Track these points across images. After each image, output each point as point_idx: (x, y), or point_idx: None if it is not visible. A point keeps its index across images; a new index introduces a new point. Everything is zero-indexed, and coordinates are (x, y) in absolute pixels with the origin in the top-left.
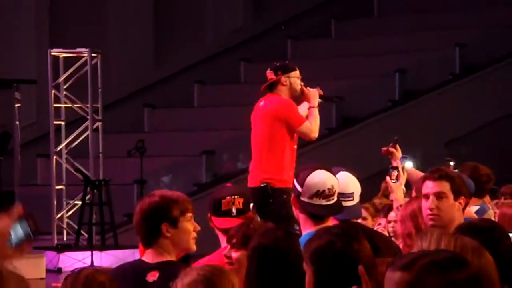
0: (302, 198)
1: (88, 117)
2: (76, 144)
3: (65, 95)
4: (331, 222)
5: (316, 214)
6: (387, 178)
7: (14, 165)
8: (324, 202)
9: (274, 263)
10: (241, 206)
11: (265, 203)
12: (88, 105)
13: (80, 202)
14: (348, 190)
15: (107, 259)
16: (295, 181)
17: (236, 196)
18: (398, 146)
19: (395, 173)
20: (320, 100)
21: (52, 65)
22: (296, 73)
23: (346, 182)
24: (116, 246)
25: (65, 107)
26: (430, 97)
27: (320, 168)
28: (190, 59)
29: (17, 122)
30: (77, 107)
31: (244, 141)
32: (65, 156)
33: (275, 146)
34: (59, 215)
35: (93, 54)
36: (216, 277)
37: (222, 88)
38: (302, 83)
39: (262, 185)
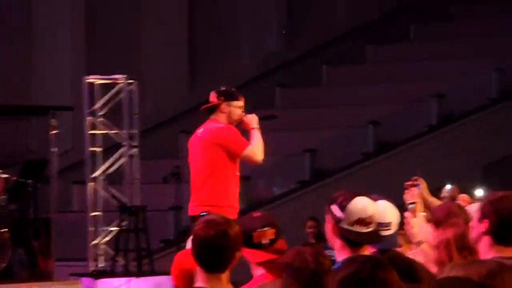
0: (342, 225)
1: (125, 143)
2: (113, 171)
3: (101, 122)
4: (367, 250)
5: (355, 241)
6: (406, 214)
7: (50, 192)
8: (363, 230)
9: None
10: (273, 237)
11: None
12: (124, 131)
13: (116, 229)
14: (386, 220)
15: (143, 285)
16: (334, 206)
17: (266, 228)
18: (421, 179)
19: (413, 207)
20: (261, 121)
21: (88, 92)
22: (239, 103)
23: (384, 211)
24: (153, 272)
25: (101, 133)
26: (468, 121)
27: (360, 195)
28: (224, 84)
29: (54, 149)
30: (113, 133)
31: (279, 167)
32: (101, 183)
33: (216, 174)
34: (95, 242)
35: (129, 81)
36: None
37: (257, 113)
38: (244, 113)
39: (202, 214)
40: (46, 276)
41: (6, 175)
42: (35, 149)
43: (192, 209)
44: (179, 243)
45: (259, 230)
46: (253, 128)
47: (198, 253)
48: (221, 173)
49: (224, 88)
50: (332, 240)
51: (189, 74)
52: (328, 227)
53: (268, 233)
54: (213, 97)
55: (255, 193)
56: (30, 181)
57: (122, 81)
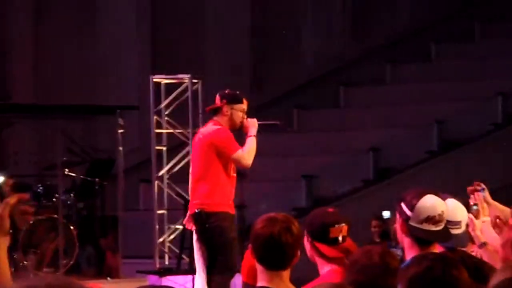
0: (411, 223)
1: (189, 142)
2: (178, 169)
3: (167, 121)
4: (436, 248)
5: (424, 240)
6: (470, 215)
7: (117, 190)
8: (433, 228)
9: None
10: (346, 234)
11: (203, 230)
12: (189, 131)
13: (181, 227)
14: (456, 218)
15: None
16: (402, 204)
17: (343, 224)
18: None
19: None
20: (262, 126)
21: (154, 91)
22: (241, 106)
23: (455, 210)
24: None
25: (166, 132)
26: None
27: (429, 193)
28: (288, 84)
29: (121, 148)
30: (178, 132)
31: (343, 166)
32: (166, 181)
33: (208, 174)
34: (161, 239)
35: (193, 80)
36: None
37: (321, 112)
38: (246, 117)
39: (196, 211)
40: (113, 274)
41: (73, 174)
42: (102, 148)
43: (190, 208)
44: (243, 241)
45: (337, 225)
46: (249, 136)
47: (260, 251)
48: (214, 174)
49: (228, 91)
50: (401, 238)
51: (252, 74)
52: (397, 225)
53: (343, 230)
54: (217, 99)
55: (319, 192)
56: (97, 179)
57: (187, 80)
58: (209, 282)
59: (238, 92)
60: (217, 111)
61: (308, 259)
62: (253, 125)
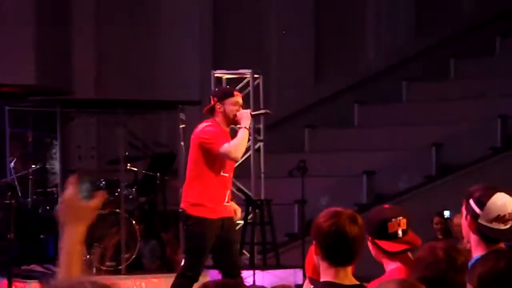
0: (480, 221)
1: (250, 137)
2: (239, 164)
3: None
4: (503, 245)
5: (493, 238)
6: None
7: (178, 185)
8: (502, 227)
9: None
10: (405, 227)
11: (184, 229)
12: (251, 126)
13: (242, 222)
14: None
15: (268, 278)
16: (471, 201)
17: (400, 218)
18: None
19: None
20: (254, 116)
21: (215, 87)
22: (232, 99)
23: None
24: (278, 266)
25: None
26: None
27: (498, 191)
28: (350, 79)
29: (182, 143)
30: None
31: (405, 162)
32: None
33: (198, 173)
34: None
35: (255, 75)
36: None
37: (382, 108)
38: (239, 109)
39: (180, 210)
40: (174, 268)
41: (135, 169)
42: (164, 142)
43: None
44: (303, 237)
45: (394, 219)
46: (240, 127)
47: (326, 246)
48: (203, 173)
49: (217, 89)
50: (467, 234)
51: (314, 69)
52: (464, 221)
53: (402, 223)
54: (211, 99)
55: (381, 188)
56: (158, 174)
57: (249, 75)
58: (174, 279)
59: (228, 87)
60: (212, 110)
61: (371, 258)
62: (245, 116)
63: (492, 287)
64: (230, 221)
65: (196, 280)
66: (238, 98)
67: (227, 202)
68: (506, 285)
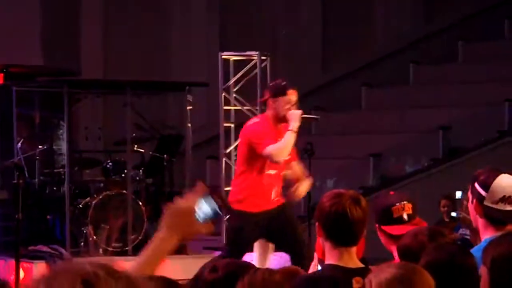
0: (486, 203)
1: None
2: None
3: (235, 98)
4: (510, 227)
5: (500, 219)
6: None
7: (185, 167)
8: (509, 208)
9: (448, 279)
10: (410, 212)
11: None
12: (257, 108)
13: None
14: None
15: (276, 260)
16: (476, 185)
17: (405, 202)
18: None
19: None
20: (304, 119)
21: (222, 68)
22: (285, 98)
23: None
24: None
25: (234, 109)
26: None
27: (503, 172)
28: (358, 62)
29: (189, 124)
30: (246, 109)
31: (411, 144)
32: (234, 158)
33: (244, 170)
34: (227, 216)
35: (262, 57)
36: (415, 276)
37: (389, 91)
38: (291, 108)
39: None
40: (180, 250)
41: (142, 150)
42: (171, 124)
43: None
44: (310, 219)
45: (398, 204)
46: (288, 130)
47: (329, 227)
48: (248, 170)
49: (272, 84)
50: (475, 219)
51: (322, 51)
52: (471, 205)
53: (406, 207)
54: (266, 92)
55: (387, 170)
56: (166, 156)
57: (256, 57)
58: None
59: (284, 83)
60: (266, 104)
61: (379, 244)
62: (294, 118)
63: (506, 269)
64: (280, 208)
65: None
66: (292, 96)
67: (275, 198)
68: None
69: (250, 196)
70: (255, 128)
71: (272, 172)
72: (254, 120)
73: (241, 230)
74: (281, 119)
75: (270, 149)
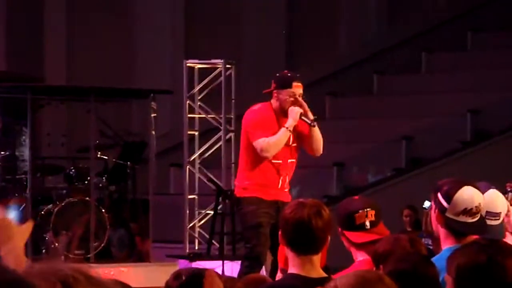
0: (448, 214)
1: (222, 127)
2: (209, 154)
3: (199, 106)
4: (472, 238)
5: (461, 231)
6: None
7: (149, 174)
8: (469, 220)
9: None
10: (373, 218)
11: (237, 213)
12: (222, 116)
13: (212, 212)
14: (496, 209)
15: (237, 268)
16: (439, 195)
17: (368, 209)
18: None
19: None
20: (302, 120)
21: (187, 76)
22: (289, 91)
23: (495, 201)
24: None
25: (199, 117)
26: None
27: (467, 184)
28: (322, 71)
29: (153, 132)
30: (211, 117)
31: (375, 154)
32: (198, 166)
33: (244, 156)
34: (191, 224)
35: (227, 66)
36: (379, 282)
37: (353, 100)
38: (295, 101)
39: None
40: (143, 257)
41: (105, 157)
42: (135, 131)
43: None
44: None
45: (361, 211)
46: (283, 126)
47: (290, 236)
48: (247, 156)
49: (280, 74)
50: (436, 228)
51: (286, 59)
52: (433, 215)
53: (369, 214)
54: (272, 82)
55: (349, 180)
56: (129, 163)
57: (221, 65)
58: (240, 267)
59: (290, 75)
60: (271, 93)
61: (343, 250)
62: (292, 116)
63: (471, 279)
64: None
65: (261, 261)
66: (297, 89)
67: (283, 188)
68: (483, 277)
69: (257, 184)
70: (252, 116)
71: (278, 161)
72: (254, 107)
73: (255, 212)
74: (283, 111)
75: (260, 142)
